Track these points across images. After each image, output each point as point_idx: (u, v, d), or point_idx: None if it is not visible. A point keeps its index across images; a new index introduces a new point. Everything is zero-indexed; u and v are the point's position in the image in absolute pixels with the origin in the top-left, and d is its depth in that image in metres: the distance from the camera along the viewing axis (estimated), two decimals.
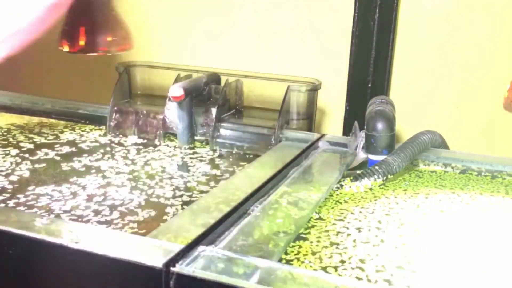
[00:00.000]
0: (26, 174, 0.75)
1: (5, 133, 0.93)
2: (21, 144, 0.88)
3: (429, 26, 1.09)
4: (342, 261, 0.54)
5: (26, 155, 0.83)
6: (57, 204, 0.66)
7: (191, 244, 0.51)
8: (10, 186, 0.71)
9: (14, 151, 0.84)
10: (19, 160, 0.80)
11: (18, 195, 0.68)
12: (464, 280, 0.51)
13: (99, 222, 0.62)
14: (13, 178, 0.73)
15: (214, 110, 0.93)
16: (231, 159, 0.87)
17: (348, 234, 0.60)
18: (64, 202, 0.66)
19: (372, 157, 0.82)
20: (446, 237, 0.60)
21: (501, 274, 0.53)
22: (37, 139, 0.91)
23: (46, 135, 0.94)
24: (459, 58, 1.08)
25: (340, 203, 0.70)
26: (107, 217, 0.63)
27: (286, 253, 0.55)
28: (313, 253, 0.55)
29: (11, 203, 0.66)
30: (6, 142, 0.88)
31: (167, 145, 0.92)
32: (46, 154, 0.84)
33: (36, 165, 0.79)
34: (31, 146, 0.87)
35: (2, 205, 0.65)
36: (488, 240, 0.60)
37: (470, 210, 0.68)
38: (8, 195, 0.68)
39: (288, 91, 0.92)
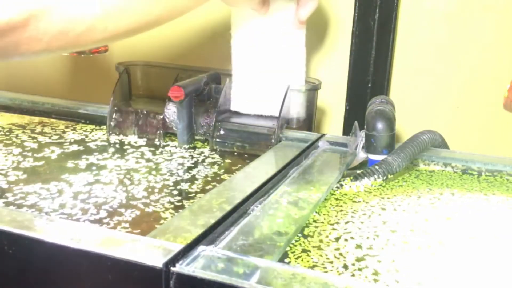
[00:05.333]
0: (26, 174, 0.75)
1: (7, 133, 0.94)
2: (25, 144, 0.88)
3: (429, 26, 1.09)
4: (342, 261, 0.54)
5: (29, 154, 0.83)
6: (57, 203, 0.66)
7: (191, 244, 0.51)
8: (6, 185, 0.71)
9: (16, 150, 0.84)
10: (21, 159, 0.81)
11: (10, 194, 0.68)
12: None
13: (92, 222, 0.62)
14: (11, 178, 0.74)
15: (214, 110, 0.93)
16: (231, 159, 0.87)
17: (348, 234, 0.60)
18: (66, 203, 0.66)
19: (372, 157, 0.82)
20: (445, 238, 0.60)
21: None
22: (41, 138, 0.91)
23: (49, 134, 0.94)
24: (459, 58, 1.08)
25: (340, 202, 0.70)
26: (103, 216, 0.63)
27: (286, 253, 0.55)
28: (313, 253, 0.56)
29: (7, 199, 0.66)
30: (10, 142, 0.89)
31: (168, 145, 0.92)
32: (53, 151, 0.85)
33: (36, 164, 0.79)
34: (35, 145, 0.87)
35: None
36: (489, 241, 0.60)
37: (469, 210, 0.69)
38: (5, 192, 0.68)
39: (288, 91, 0.92)
